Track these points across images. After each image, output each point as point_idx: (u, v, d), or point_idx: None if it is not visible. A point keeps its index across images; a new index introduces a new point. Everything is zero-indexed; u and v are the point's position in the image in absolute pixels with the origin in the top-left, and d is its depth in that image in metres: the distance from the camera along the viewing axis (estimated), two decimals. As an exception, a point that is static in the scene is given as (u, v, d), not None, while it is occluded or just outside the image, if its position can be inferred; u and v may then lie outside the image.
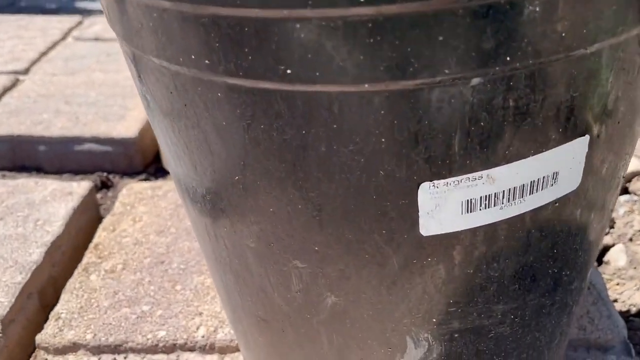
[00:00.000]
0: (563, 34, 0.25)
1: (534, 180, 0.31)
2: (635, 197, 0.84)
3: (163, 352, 0.61)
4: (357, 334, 0.38)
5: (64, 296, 0.68)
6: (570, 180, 0.32)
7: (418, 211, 0.31)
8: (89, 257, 0.74)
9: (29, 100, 1.12)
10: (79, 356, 0.62)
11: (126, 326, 0.63)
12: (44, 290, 0.71)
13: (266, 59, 0.25)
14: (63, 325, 0.64)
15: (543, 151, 0.29)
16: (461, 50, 0.24)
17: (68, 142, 0.99)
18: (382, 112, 0.26)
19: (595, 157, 0.32)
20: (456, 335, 0.38)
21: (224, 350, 0.61)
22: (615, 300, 0.74)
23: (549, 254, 0.35)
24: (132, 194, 0.84)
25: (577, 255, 0.38)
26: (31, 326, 0.67)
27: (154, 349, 0.61)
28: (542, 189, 0.31)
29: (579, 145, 0.30)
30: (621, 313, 0.73)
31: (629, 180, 0.86)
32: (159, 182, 0.89)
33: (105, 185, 0.96)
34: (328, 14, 0.23)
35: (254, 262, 0.38)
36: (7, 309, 0.63)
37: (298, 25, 0.24)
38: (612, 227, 0.81)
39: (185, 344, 0.61)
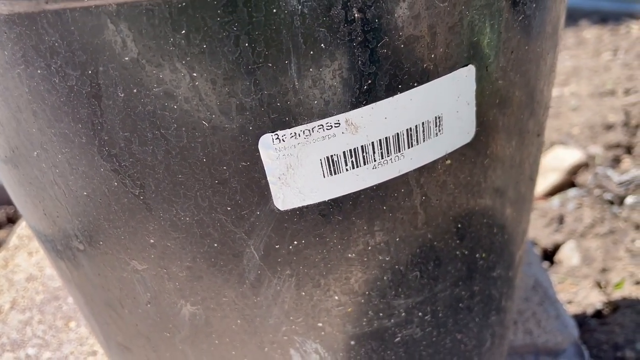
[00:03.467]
0: None
1: (410, 128, 0.24)
2: (583, 191, 0.79)
3: (48, 402, 0.52)
4: (229, 353, 0.30)
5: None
6: (460, 129, 0.25)
7: (265, 176, 0.23)
8: (-27, 298, 0.64)
9: None
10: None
11: (6, 375, 0.53)
12: None
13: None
14: None
15: (414, 86, 0.23)
16: None
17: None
18: (184, 29, 0.20)
19: (491, 97, 0.26)
20: (353, 343, 0.30)
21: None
22: (570, 302, 0.68)
23: (451, 230, 0.29)
24: (32, 225, 0.75)
25: (491, 232, 0.31)
26: None
27: (36, 400, 0.51)
28: (424, 140, 0.25)
29: (463, 79, 0.24)
30: (577, 315, 0.66)
31: (575, 173, 0.81)
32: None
33: (11, 220, 0.86)
34: None
35: (90, 270, 0.30)
36: None
37: None
38: (561, 222, 0.76)
39: (75, 390, 0.52)
